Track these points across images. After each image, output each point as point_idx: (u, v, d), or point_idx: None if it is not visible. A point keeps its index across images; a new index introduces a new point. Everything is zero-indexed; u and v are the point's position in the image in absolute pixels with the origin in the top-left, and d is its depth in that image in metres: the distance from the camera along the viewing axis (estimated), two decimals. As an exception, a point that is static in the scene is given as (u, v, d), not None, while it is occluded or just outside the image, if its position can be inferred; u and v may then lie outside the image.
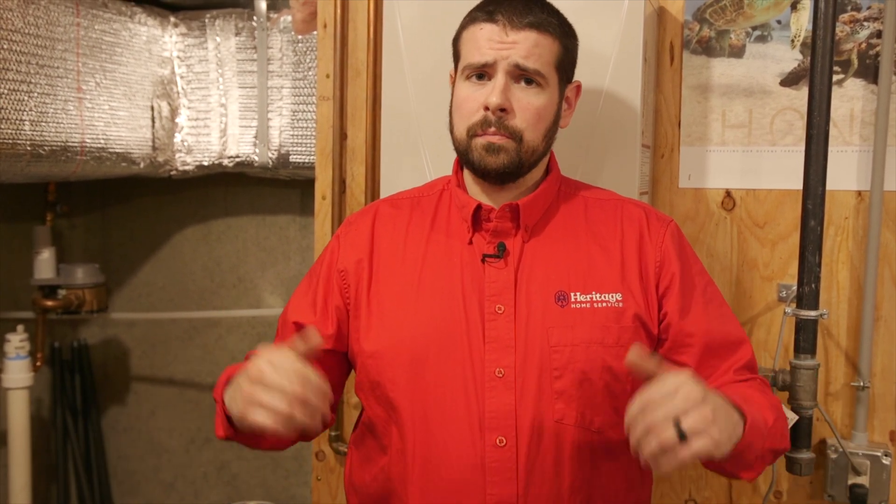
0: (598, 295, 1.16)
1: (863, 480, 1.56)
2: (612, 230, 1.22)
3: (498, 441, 1.12)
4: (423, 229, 1.24)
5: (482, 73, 1.16)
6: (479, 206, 1.20)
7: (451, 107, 1.22)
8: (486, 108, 1.14)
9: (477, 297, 1.16)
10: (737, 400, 1.06)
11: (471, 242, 1.20)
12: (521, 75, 1.15)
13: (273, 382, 0.99)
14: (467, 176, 1.24)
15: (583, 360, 1.14)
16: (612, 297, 1.16)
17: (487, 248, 1.19)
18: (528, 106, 1.15)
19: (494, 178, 1.17)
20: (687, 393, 0.95)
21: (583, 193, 1.27)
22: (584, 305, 1.16)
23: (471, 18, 1.19)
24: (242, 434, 1.13)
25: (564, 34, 1.19)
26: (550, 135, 1.20)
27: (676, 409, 0.94)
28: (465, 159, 1.19)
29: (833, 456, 1.58)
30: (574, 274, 1.17)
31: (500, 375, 1.14)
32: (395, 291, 1.21)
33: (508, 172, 1.16)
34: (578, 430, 1.14)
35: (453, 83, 1.23)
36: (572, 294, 1.16)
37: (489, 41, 1.14)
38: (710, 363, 1.19)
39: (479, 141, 1.15)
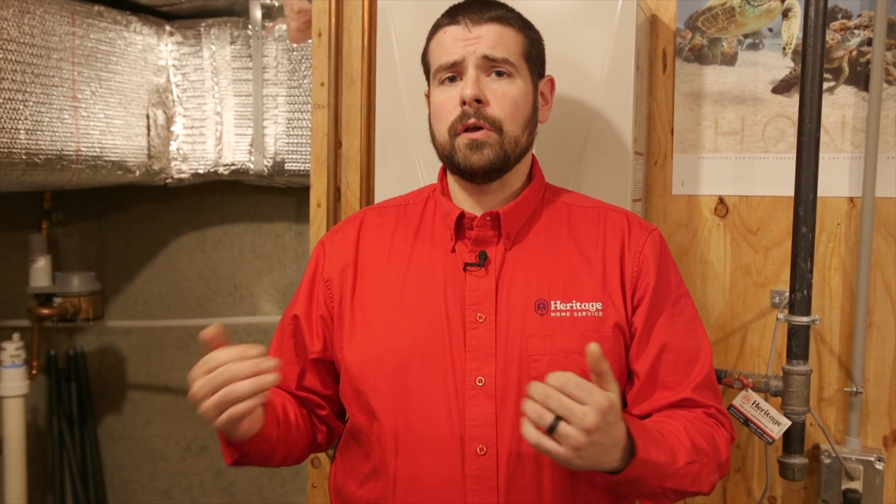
0: (578, 304, 1.16)
1: (856, 485, 1.57)
2: (594, 238, 1.22)
3: (478, 449, 1.12)
4: (407, 237, 1.25)
5: (454, 74, 1.17)
6: (461, 214, 1.20)
7: (429, 119, 1.23)
8: (463, 103, 1.15)
9: (459, 305, 1.17)
10: (644, 435, 1.04)
11: (453, 250, 1.21)
12: (492, 67, 1.16)
13: (204, 373, 1.05)
14: (452, 183, 1.25)
15: (561, 370, 1.13)
16: (593, 306, 1.16)
17: (469, 257, 1.19)
18: (504, 96, 1.16)
19: (481, 176, 1.17)
20: (585, 413, 0.95)
21: (567, 201, 1.27)
22: (563, 314, 1.16)
23: (435, 27, 1.22)
24: (247, 450, 1.14)
25: (526, 27, 1.21)
26: (531, 128, 1.21)
27: (570, 414, 0.95)
28: (450, 163, 1.19)
29: (826, 461, 1.58)
30: (555, 282, 1.17)
31: (481, 384, 1.14)
32: (379, 300, 1.21)
33: (495, 168, 1.16)
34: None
35: (429, 99, 1.25)
36: (552, 302, 1.16)
37: (455, 41, 1.17)
38: (661, 377, 1.17)
39: (462, 140, 1.16)
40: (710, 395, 1.20)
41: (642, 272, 1.19)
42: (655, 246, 1.22)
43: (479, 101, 1.15)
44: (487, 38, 1.15)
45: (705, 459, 1.11)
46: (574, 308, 1.16)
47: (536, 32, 1.24)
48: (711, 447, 1.14)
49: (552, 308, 1.16)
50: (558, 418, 0.96)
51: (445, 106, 1.18)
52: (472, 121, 1.15)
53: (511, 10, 1.20)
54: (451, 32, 1.17)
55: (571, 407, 0.96)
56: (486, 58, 1.15)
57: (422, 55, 1.25)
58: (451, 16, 1.19)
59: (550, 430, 0.96)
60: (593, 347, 0.99)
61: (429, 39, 1.23)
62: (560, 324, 1.15)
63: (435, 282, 1.19)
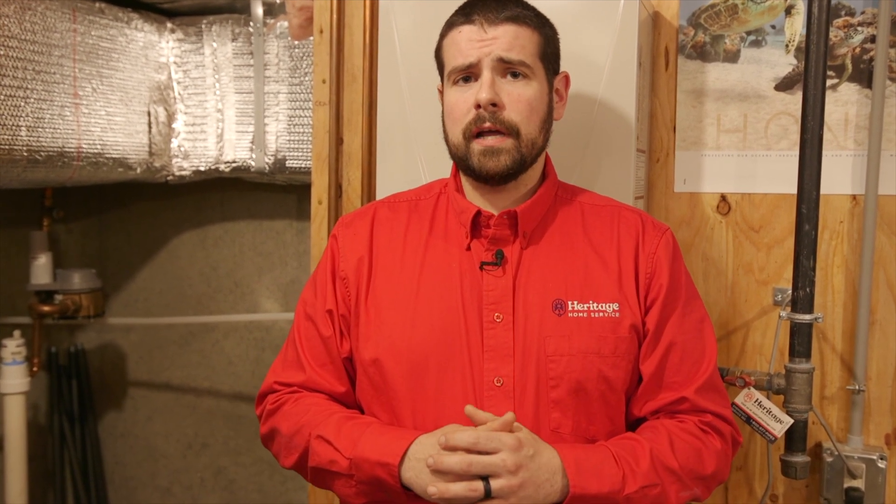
0: (595, 304, 1.16)
1: (858, 484, 1.56)
2: (609, 238, 1.21)
3: None
4: (421, 234, 1.24)
5: (468, 75, 1.16)
6: (478, 213, 1.20)
7: (442, 117, 1.22)
8: (478, 107, 1.14)
9: (476, 304, 1.16)
10: (583, 467, 1.06)
11: (468, 248, 1.20)
12: (507, 69, 1.15)
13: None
14: (465, 180, 1.24)
15: (579, 370, 1.13)
16: (610, 306, 1.16)
17: (485, 256, 1.18)
18: (519, 98, 1.15)
19: (497, 179, 1.17)
20: (503, 459, 1.02)
21: (580, 199, 1.27)
22: (581, 315, 1.16)
23: (449, 25, 1.20)
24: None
25: (542, 25, 1.20)
26: (547, 127, 1.20)
27: (493, 467, 1.02)
28: (464, 165, 1.18)
29: (829, 459, 1.58)
30: (571, 282, 1.17)
31: (499, 384, 1.14)
32: (394, 298, 1.20)
33: (511, 173, 1.16)
34: (574, 438, 1.14)
35: (442, 95, 1.23)
36: (570, 303, 1.16)
37: (469, 41, 1.15)
38: (665, 377, 1.18)
39: (477, 146, 1.15)
40: (714, 396, 1.20)
41: (656, 273, 1.19)
42: (669, 247, 1.22)
43: (494, 104, 1.14)
44: (503, 39, 1.14)
45: (671, 479, 1.10)
46: (591, 308, 1.16)
47: (552, 29, 1.23)
48: (692, 464, 1.13)
49: (569, 308, 1.16)
50: (486, 480, 1.02)
51: (459, 107, 1.16)
52: (487, 125, 1.14)
53: (527, 7, 1.19)
54: (466, 32, 1.16)
55: (491, 461, 1.02)
56: (501, 60, 1.14)
57: (435, 51, 1.24)
58: (466, 14, 1.17)
59: (487, 495, 1.02)
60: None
61: (442, 36, 1.21)
62: (577, 324, 1.15)
63: (451, 280, 1.18)
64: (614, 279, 1.18)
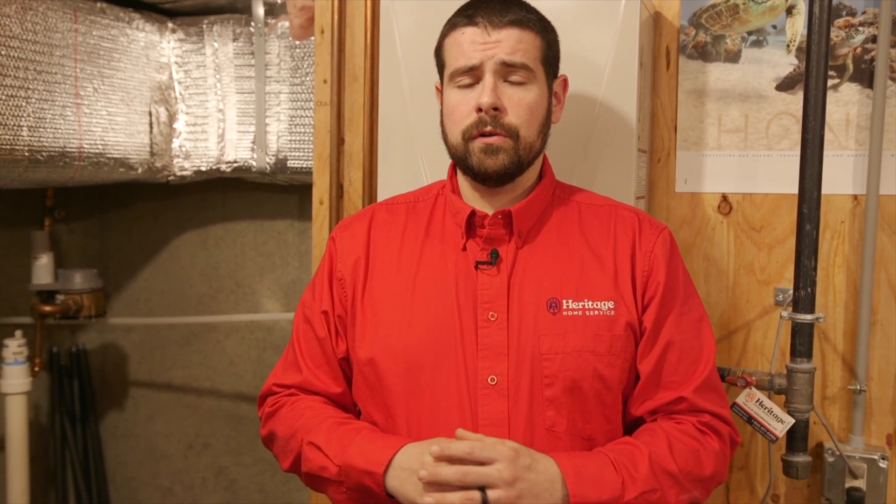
0: (590, 303, 1.16)
1: (860, 484, 1.56)
2: (605, 237, 1.21)
3: None
4: (418, 235, 1.24)
5: (470, 76, 1.16)
6: (472, 213, 1.20)
7: (441, 117, 1.22)
8: (479, 110, 1.14)
9: (471, 304, 1.16)
10: (582, 476, 1.06)
11: (464, 248, 1.20)
12: (509, 73, 1.15)
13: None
14: (462, 181, 1.24)
15: (574, 368, 1.13)
16: (605, 305, 1.16)
17: (481, 255, 1.19)
18: (521, 102, 1.15)
19: (494, 180, 1.17)
20: (500, 470, 1.02)
21: (577, 198, 1.27)
22: (576, 313, 1.16)
23: (451, 25, 1.19)
24: None
25: (545, 29, 1.20)
26: (545, 130, 1.20)
27: (489, 478, 1.02)
28: (463, 165, 1.19)
29: (830, 459, 1.58)
30: (567, 281, 1.17)
31: (493, 383, 1.14)
32: (390, 298, 1.21)
33: (509, 173, 1.16)
34: (569, 437, 1.14)
35: (440, 94, 1.23)
36: (564, 301, 1.16)
37: (473, 43, 1.15)
38: (663, 376, 1.17)
39: (477, 144, 1.15)
40: (712, 396, 1.19)
41: (653, 272, 1.19)
42: (666, 245, 1.22)
43: (495, 108, 1.14)
44: (506, 42, 1.14)
45: (670, 483, 1.10)
46: (586, 307, 1.16)
47: (554, 33, 1.23)
48: (690, 466, 1.13)
49: (564, 307, 1.16)
50: (483, 491, 1.01)
51: (460, 109, 1.16)
52: (488, 129, 1.14)
53: (530, 11, 1.19)
54: (469, 34, 1.15)
55: (487, 472, 1.02)
56: (504, 64, 1.14)
57: (435, 50, 1.24)
58: (469, 16, 1.16)
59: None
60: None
61: (444, 35, 1.21)
62: (572, 323, 1.15)
63: (446, 280, 1.19)
64: (610, 277, 1.18)
